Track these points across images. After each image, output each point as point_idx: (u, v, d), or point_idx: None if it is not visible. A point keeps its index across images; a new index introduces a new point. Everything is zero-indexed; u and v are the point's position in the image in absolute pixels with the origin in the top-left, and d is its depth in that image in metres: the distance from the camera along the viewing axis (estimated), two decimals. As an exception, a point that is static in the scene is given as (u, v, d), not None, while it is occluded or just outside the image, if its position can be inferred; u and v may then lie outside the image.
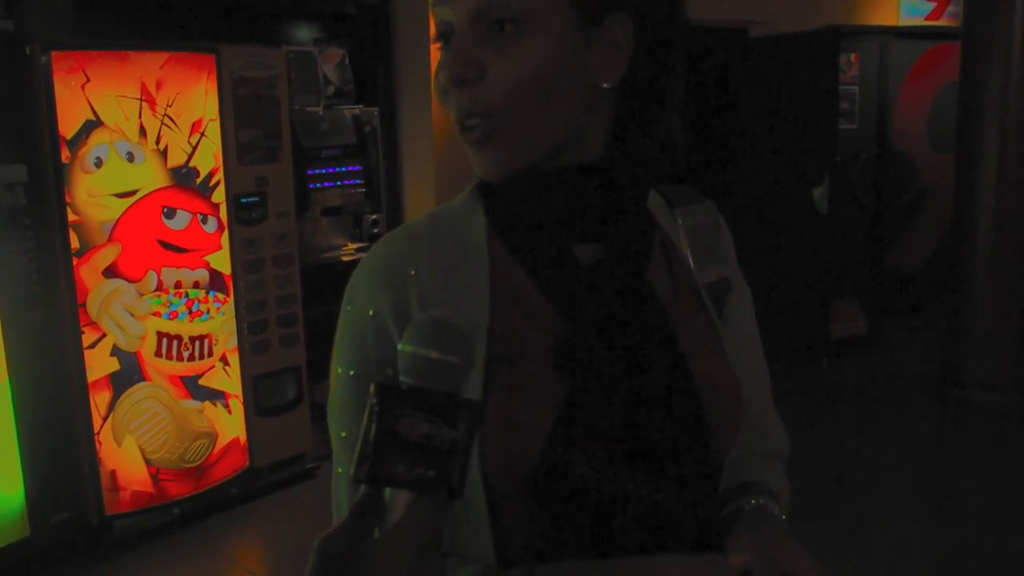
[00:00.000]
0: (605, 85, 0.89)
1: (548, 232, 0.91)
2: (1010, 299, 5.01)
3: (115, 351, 3.40)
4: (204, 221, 3.62)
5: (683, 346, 0.91)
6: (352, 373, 0.92)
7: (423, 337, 0.72)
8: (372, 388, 0.70)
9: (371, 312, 0.90)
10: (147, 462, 3.52)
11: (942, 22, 6.80)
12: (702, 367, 0.91)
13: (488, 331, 0.87)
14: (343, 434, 0.92)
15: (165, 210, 3.48)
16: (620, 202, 0.92)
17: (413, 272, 0.90)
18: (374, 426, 0.69)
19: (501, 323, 0.89)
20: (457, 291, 0.89)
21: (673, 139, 0.96)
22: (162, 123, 3.43)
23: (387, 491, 0.72)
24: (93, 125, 3.26)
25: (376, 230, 4.74)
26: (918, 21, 6.82)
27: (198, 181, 3.58)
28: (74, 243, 3.27)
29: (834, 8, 6.32)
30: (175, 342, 3.55)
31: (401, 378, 0.72)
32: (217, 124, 3.60)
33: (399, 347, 0.73)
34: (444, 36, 0.89)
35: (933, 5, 6.81)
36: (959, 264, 5.17)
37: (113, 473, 3.44)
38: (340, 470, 0.94)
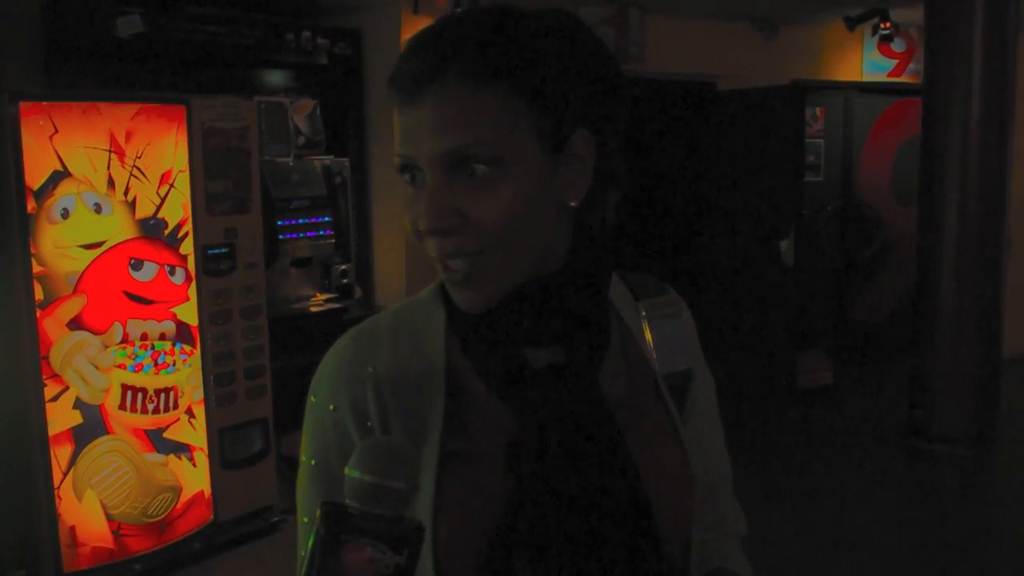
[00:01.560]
0: (573, 204, 0.91)
1: (503, 337, 0.92)
2: (971, 353, 5.08)
3: (78, 404, 3.35)
4: (172, 272, 3.59)
5: (633, 449, 0.92)
6: (313, 463, 0.95)
7: (368, 463, 0.74)
8: (318, 512, 0.72)
9: (332, 407, 0.93)
10: (108, 517, 3.45)
11: (904, 78, 6.96)
12: (652, 469, 0.93)
13: (442, 429, 0.89)
14: (304, 520, 0.96)
15: (132, 262, 3.45)
16: (577, 307, 0.94)
17: (371, 369, 0.93)
18: (319, 550, 0.71)
19: (456, 420, 0.91)
20: (413, 389, 0.92)
21: (608, 217, 0.99)
22: (131, 174, 3.42)
23: None
24: (60, 176, 3.24)
25: (345, 280, 4.73)
26: (881, 77, 6.97)
27: (166, 232, 3.56)
28: (39, 294, 3.23)
29: (800, 63, 6.46)
30: (140, 395, 3.51)
31: (348, 502, 0.73)
32: (187, 175, 3.59)
33: (346, 471, 0.74)
34: (408, 171, 0.89)
35: (895, 62, 6.97)
36: (922, 317, 5.24)
37: (72, 529, 3.37)
38: (303, 552, 0.95)
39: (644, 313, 1.03)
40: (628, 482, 0.90)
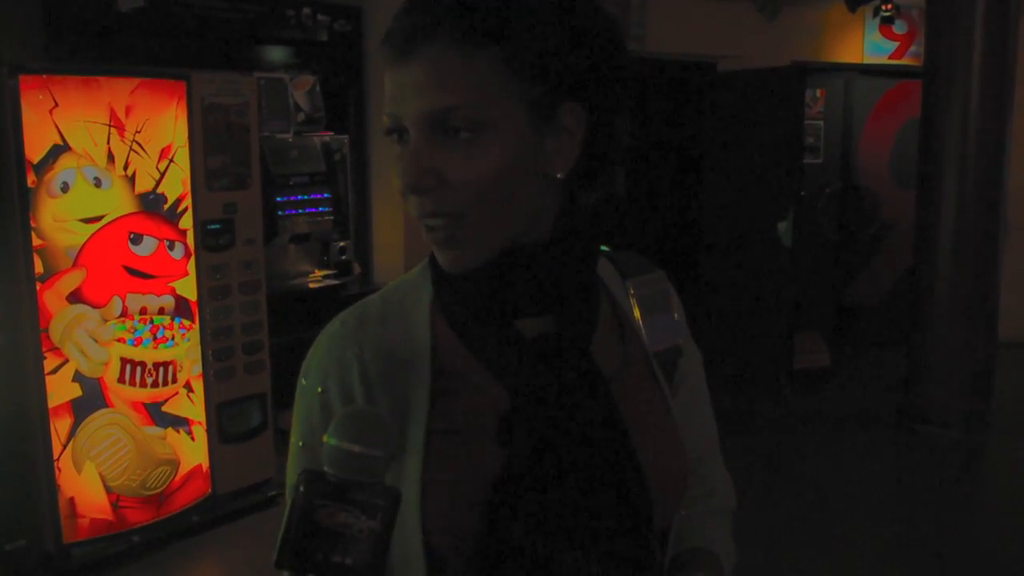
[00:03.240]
0: (559, 175, 0.90)
1: (493, 308, 0.92)
2: (967, 336, 5.09)
3: (77, 377, 3.37)
4: (171, 247, 3.61)
5: (627, 420, 0.92)
6: (300, 444, 0.96)
7: (345, 431, 0.76)
8: (295, 479, 0.74)
9: (319, 389, 0.94)
10: (107, 489, 3.48)
11: (905, 60, 6.94)
12: (645, 440, 0.93)
13: (429, 407, 0.90)
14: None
15: (132, 236, 3.47)
16: (567, 277, 0.94)
17: (358, 351, 0.93)
18: (296, 515, 0.73)
19: (443, 398, 0.91)
20: (399, 369, 0.92)
21: (615, 192, 0.99)
22: (130, 149, 3.42)
23: None
24: (60, 150, 3.25)
25: (343, 257, 4.75)
26: (882, 59, 6.96)
27: (166, 207, 3.57)
28: (38, 268, 3.24)
29: (801, 44, 6.45)
30: (139, 368, 3.53)
31: (325, 469, 0.75)
32: (186, 150, 3.60)
33: (323, 439, 0.76)
34: (396, 132, 0.89)
35: (896, 44, 6.96)
36: (918, 300, 5.25)
37: (72, 500, 3.40)
38: None
39: (632, 291, 1.04)
40: (622, 452, 0.91)
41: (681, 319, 1.08)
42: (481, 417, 0.90)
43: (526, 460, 0.87)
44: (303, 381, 0.97)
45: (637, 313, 1.03)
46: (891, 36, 6.90)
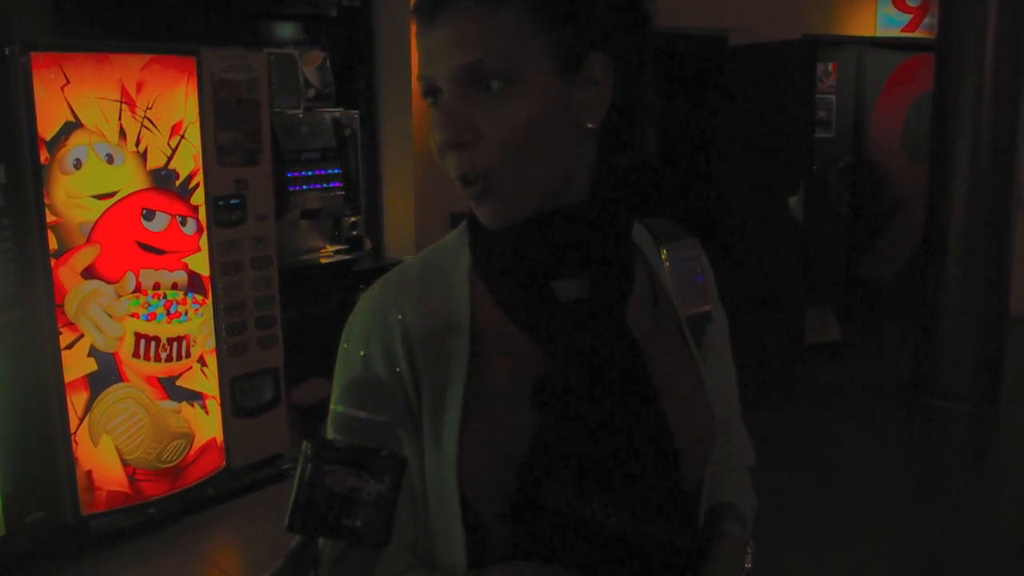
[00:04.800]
0: (590, 125, 0.92)
1: (530, 271, 0.95)
2: (979, 310, 5.09)
3: (92, 352, 3.41)
4: (183, 223, 3.63)
5: (658, 381, 0.95)
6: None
7: (352, 398, 0.79)
8: (304, 444, 0.77)
9: (361, 353, 0.96)
10: (123, 462, 3.53)
11: (918, 33, 6.88)
12: (675, 402, 0.96)
13: (468, 370, 0.93)
14: None
15: (144, 212, 3.49)
16: (603, 239, 0.96)
17: (400, 317, 0.96)
18: (305, 479, 0.75)
19: (481, 361, 0.94)
20: (439, 333, 0.95)
21: (648, 154, 1.01)
22: (142, 125, 3.44)
23: (321, 540, 0.77)
24: (72, 127, 3.27)
25: (355, 232, 4.76)
26: (895, 32, 6.90)
27: (177, 183, 3.60)
28: (52, 244, 3.28)
29: (813, 17, 6.39)
30: (153, 343, 3.56)
31: (333, 435, 0.78)
32: (197, 126, 3.62)
33: (331, 407, 0.78)
34: (430, 93, 0.91)
35: (910, 16, 6.90)
36: (930, 274, 5.25)
37: (89, 473, 3.45)
38: None
39: (666, 256, 1.07)
40: (653, 415, 0.94)
41: (711, 285, 1.10)
42: (518, 379, 0.92)
43: (560, 422, 0.90)
44: (345, 345, 0.99)
45: (670, 278, 1.06)
46: (904, 8, 6.83)
